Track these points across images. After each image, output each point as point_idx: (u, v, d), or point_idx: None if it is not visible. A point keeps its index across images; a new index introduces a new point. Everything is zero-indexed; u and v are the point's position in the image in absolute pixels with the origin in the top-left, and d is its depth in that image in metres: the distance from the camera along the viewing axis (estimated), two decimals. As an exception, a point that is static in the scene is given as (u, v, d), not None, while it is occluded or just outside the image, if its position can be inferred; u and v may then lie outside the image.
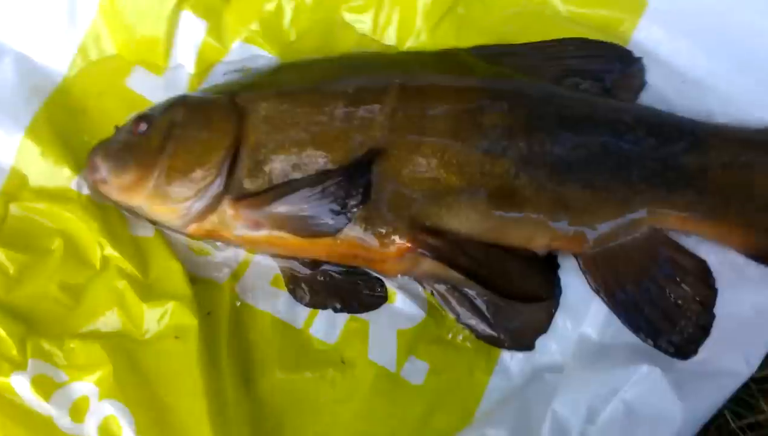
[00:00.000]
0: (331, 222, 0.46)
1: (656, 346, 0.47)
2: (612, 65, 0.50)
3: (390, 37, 0.53)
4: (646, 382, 0.45)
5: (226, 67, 0.54)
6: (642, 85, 0.50)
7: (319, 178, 0.46)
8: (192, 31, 0.54)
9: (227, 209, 0.48)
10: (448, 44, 0.52)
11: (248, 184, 0.48)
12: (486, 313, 0.49)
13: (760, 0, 0.49)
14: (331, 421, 0.48)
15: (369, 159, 0.46)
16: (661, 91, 0.50)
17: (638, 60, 0.50)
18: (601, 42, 0.50)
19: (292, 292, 0.51)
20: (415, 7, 0.53)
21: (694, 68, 0.50)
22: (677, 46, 0.50)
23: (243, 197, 0.47)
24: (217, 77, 0.54)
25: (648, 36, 0.50)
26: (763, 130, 0.49)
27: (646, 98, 0.51)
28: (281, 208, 0.47)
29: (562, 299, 0.49)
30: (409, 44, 0.53)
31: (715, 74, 0.50)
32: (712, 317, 0.47)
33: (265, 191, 0.47)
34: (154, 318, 0.48)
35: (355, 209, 0.46)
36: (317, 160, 0.47)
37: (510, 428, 0.45)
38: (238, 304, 0.51)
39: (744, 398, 0.49)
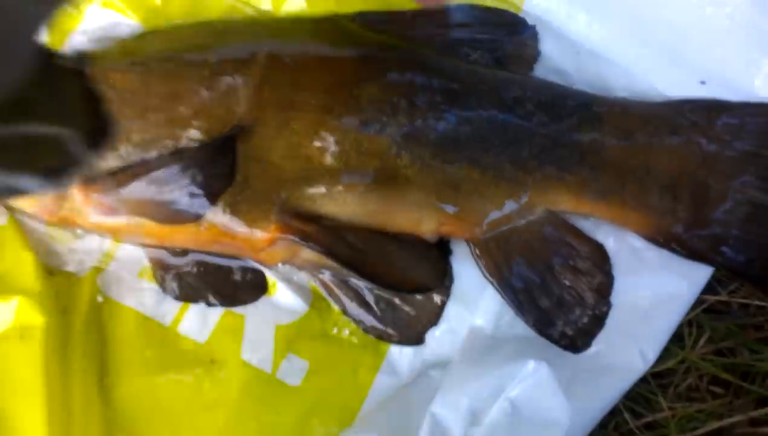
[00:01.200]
0: (191, 206, 0.42)
1: (549, 338, 0.44)
2: (503, 33, 0.46)
3: (265, 1, 0.48)
4: (532, 379, 0.42)
5: (83, 37, 0.48)
6: (536, 55, 0.47)
7: (177, 157, 0.41)
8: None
9: (77, 194, 0.43)
10: (328, 9, 0.47)
11: (101, 166, 0.43)
12: (373, 305, 0.46)
13: None
14: (196, 429, 0.43)
15: (232, 136, 0.42)
16: (557, 63, 0.47)
17: (531, 28, 0.46)
18: (492, 9, 0.46)
19: (162, 284, 0.46)
20: None
21: (591, 39, 0.46)
22: (573, 16, 0.46)
23: (91, 181, 0.42)
24: (75, 48, 0.48)
25: (541, 4, 0.47)
26: (662, 104, 0.45)
27: (541, 71, 0.47)
28: (135, 191, 0.42)
29: (455, 289, 0.46)
30: (286, 9, 0.48)
31: (613, 46, 0.46)
32: (608, 306, 0.44)
33: (115, 173, 0.42)
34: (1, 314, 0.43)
35: (217, 192, 0.42)
36: (176, 137, 0.42)
37: (385, 432, 0.42)
38: (100, 299, 0.46)
39: (644, 395, 0.46)
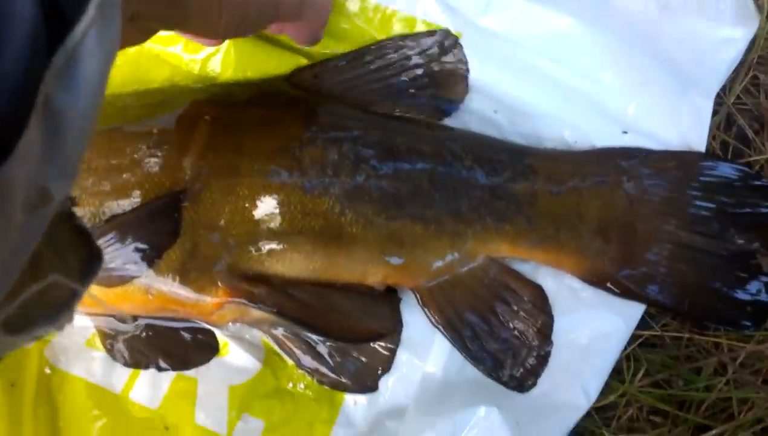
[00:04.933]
0: (135, 267, 0.42)
1: (498, 380, 0.46)
2: (431, 55, 0.48)
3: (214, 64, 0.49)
4: (483, 424, 0.43)
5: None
6: (466, 68, 0.48)
7: (117, 220, 0.42)
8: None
9: (19, 268, 0.43)
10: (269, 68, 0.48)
11: None
12: (326, 356, 0.47)
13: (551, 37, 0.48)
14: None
15: (175, 194, 0.42)
16: (491, 118, 0.49)
17: (453, 39, 0.48)
18: (416, 34, 0.48)
19: (110, 351, 0.46)
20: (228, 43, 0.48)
21: (520, 96, 0.48)
22: (501, 76, 0.48)
23: (35, 255, 0.42)
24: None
25: (472, 70, 0.48)
26: (590, 153, 0.48)
27: (476, 124, 0.49)
28: (80, 263, 0.42)
29: (406, 336, 0.47)
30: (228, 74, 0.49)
31: (541, 100, 0.48)
32: (551, 345, 0.46)
33: (58, 246, 0.42)
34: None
35: (161, 248, 0.42)
36: (119, 209, 0.42)
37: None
38: (48, 371, 0.45)
39: (590, 429, 0.48)
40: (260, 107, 0.46)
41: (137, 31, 0.31)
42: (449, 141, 0.47)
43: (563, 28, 0.47)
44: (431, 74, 0.48)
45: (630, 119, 0.48)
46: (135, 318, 0.46)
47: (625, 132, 0.48)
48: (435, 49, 0.48)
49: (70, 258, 0.25)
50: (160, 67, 0.49)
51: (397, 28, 0.49)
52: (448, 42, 0.48)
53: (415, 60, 0.48)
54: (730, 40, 0.48)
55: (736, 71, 0.50)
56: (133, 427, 0.45)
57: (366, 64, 0.48)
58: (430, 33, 0.48)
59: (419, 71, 0.48)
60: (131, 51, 0.49)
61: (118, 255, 0.42)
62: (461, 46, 0.48)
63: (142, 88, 0.48)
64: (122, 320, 0.46)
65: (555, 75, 0.48)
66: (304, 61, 0.49)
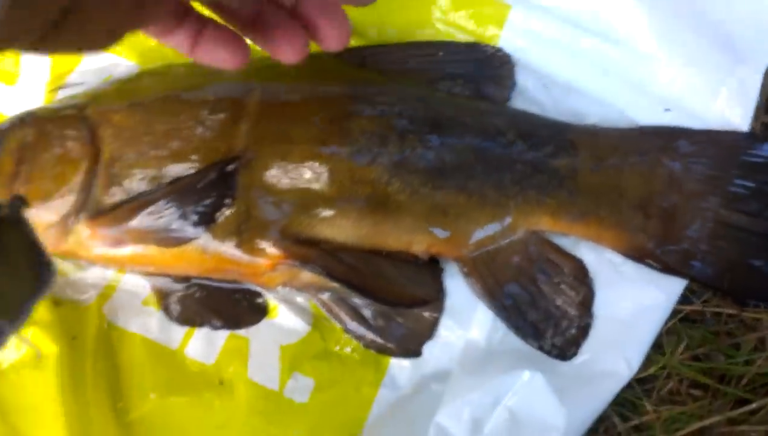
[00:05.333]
0: (192, 229, 0.44)
1: (540, 348, 0.47)
2: (481, 65, 0.50)
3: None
4: (528, 388, 0.44)
5: (82, 76, 0.51)
6: (512, 84, 0.50)
7: (174, 186, 0.44)
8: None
9: (83, 229, 0.45)
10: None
11: (106, 201, 0.45)
12: (372, 321, 0.48)
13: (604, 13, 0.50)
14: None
15: (230, 161, 0.44)
16: (533, 95, 0.51)
17: (507, 58, 0.50)
18: (469, 43, 0.50)
19: (166, 310, 0.48)
20: None
21: (563, 73, 0.50)
22: (545, 52, 0.50)
23: (99, 215, 0.45)
24: (74, 87, 0.51)
25: (515, 42, 0.51)
26: (630, 130, 0.49)
27: (518, 102, 0.51)
28: (140, 221, 0.44)
29: (450, 305, 0.49)
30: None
31: (583, 78, 0.50)
32: (591, 317, 0.47)
33: (120, 206, 0.44)
34: (11, 345, 0.45)
35: (218, 212, 0.44)
36: (177, 172, 0.45)
37: (394, 443, 0.44)
38: (106, 326, 0.48)
39: (630, 399, 0.49)
40: (311, 79, 0.48)
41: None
42: (492, 116, 0.48)
43: (610, 3, 0.48)
44: (476, 79, 0.50)
45: (674, 97, 0.49)
46: (188, 279, 0.48)
47: (668, 109, 0.49)
48: (483, 60, 0.50)
49: (21, 270, 0.25)
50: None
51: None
52: (500, 56, 0.50)
53: (462, 67, 0.50)
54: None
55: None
56: (189, 381, 0.47)
57: (414, 56, 0.50)
58: (482, 46, 0.51)
59: (466, 76, 0.50)
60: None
61: (177, 217, 0.44)
62: (512, 63, 0.50)
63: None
64: (177, 280, 0.48)
65: (598, 50, 0.50)
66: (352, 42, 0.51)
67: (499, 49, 0.50)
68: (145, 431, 0.46)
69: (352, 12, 0.37)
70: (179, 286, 0.48)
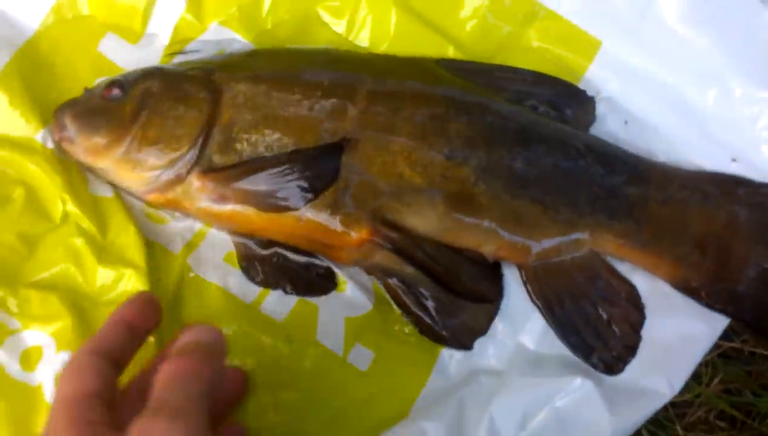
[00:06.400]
0: (296, 199, 0.48)
1: (587, 361, 0.50)
2: (566, 97, 0.54)
3: (362, 40, 0.56)
4: (578, 393, 0.47)
5: (200, 46, 0.55)
6: (592, 120, 0.55)
7: (290, 155, 0.48)
8: (172, 4, 0.55)
9: (194, 181, 0.49)
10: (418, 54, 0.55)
11: (217, 160, 0.49)
12: (430, 309, 0.51)
13: (689, 60, 0.54)
14: (274, 402, 0.48)
15: (340, 144, 0.48)
16: (609, 128, 0.55)
17: (591, 99, 0.55)
18: (558, 78, 0.55)
19: (245, 270, 0.51)
20: (389, 16, 0.55)
21: (639, 109, 0.55)
22: (625, 88, 0.55)
23: (211, 171, 0.48)
24: (191, 54, 0.55)
25: (599, 75, 0.55)
26: (696, 173, 0.53)
27: (594, 132, 0.55)
28: (250, 182, 0.48)
29: (504, 307, 0.52)
30: (381, 50, 0.55)
31: (658, 117, 0.55)
32: (640, 338, 0.50)
33: (234, 166, 0.48)
34: (107, 281, 0.48)
35: (321, 188, 0.48)
36: (287, 143, 0.49)
37: (446, 425, 0.47)
38: (191, 275, 0.51)
39: (661, 420, 0.52)
40: (416, 79, 0.52)
41: None
42: (574, 138, 0.52)
43: (699, 49, 0.53)
44: (560, 106, 0.54)
45: (738, 149, 0.54)
46: (270, 245, 0.52)
47: (734, 160, 0.53)
48: (569, 92, 0.54)
49: None
50: (321, 33, 0.56)
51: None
52: (584, 93, 0.54)
53: (549, 92, 0.54)
54: None
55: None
56: (261, 335, 0.49)
57: (505, 77, 0.54)
58: (568, 82, 0.55)
59: (551, 104, 0.54)
60: (299, 13, 0.56)
61: (284, 186, 0.48)
62: (594, 104, 0.55)
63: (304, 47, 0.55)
64: (259, 245, 0.51)
65: (679, 93, 0.54)
66: (449, 47, 0.55)
67: (584, 92, 0.55)
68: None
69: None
70: (260, 249, 0.51)
